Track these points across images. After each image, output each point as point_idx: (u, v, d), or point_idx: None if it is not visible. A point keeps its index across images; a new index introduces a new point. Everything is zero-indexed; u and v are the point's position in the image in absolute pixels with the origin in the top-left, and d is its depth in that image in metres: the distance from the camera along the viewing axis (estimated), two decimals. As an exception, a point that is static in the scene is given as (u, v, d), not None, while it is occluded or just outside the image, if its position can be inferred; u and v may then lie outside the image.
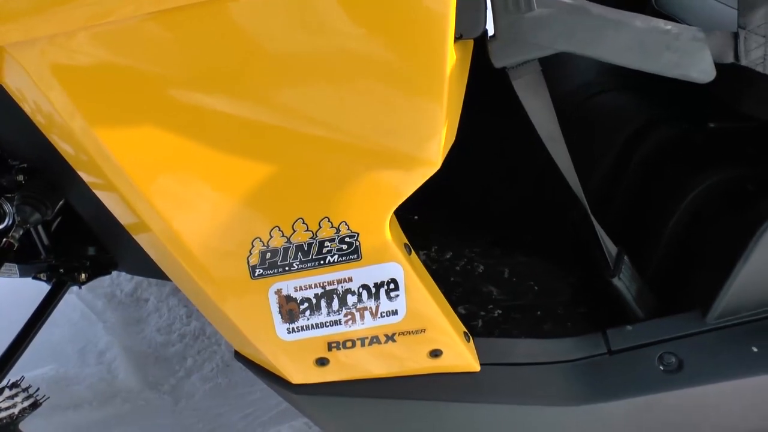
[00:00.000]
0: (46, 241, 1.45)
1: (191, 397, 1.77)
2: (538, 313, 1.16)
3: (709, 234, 1.01)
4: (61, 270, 1.47)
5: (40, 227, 1.41)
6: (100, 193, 0.79)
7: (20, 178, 1.28)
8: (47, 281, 1.50)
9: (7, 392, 0.98)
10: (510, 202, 1.36)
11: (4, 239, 1.31)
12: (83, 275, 1.48)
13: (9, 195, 1.30)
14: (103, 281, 2.06)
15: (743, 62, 0.73)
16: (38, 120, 0.72)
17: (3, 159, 1.26)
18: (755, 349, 0.96)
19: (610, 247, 0.96)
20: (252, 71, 0.66)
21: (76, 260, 1.48)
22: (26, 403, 0.94)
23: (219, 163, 0.71)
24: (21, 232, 1.32)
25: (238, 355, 0.98)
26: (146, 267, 1.52)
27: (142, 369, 1.83)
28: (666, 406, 0.94)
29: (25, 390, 0.99)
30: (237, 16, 0.63)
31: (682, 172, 1.09)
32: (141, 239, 0.83)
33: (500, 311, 1.18)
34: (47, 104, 0.67)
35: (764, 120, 0.87)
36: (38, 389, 1.02)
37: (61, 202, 1.38)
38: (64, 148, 0.74)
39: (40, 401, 0.99)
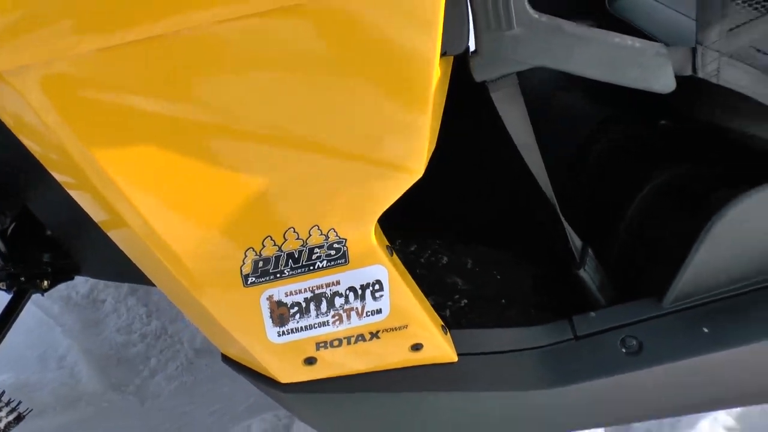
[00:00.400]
0: (2, 248, 1.43)
1: (157, 397, 1.78)
2: (503, 301, 1.23)
3: (663, 226, 1.10)
4: (22, 278, 1.46)
5: (-7, 235, 1.39)
6: (89, 208, 0.80)
7: None
8: (7, 290, 1.48)
9: (-10, 408, 0.98)
10: (473, 198, 1.42)
11: None
12: (45, 282, 1.47)
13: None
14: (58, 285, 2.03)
15: (700, 75, 0.80)
16: (29, 142, 0.73)
17: None
18: (706, 330, 1.05)
19: (576, 241, 1.03)
20: (242, 90, 0.69)
21: (36, 267, 1.47)
22: (11, 417, 0.95)
23: (213, 178, 0.74)
24: None
25: (225, 358, 1.01)
26: (111, 270, 1.53)
27: (104, 371, 1.83)
28: (629, 386, 1.03)
29: (7, 404, 0.99)
30: (227, 37, 0.66)
31: (637, 169, 1.16)
32: (126, 247, 0.85)
33: (466, 301, 1.23)
34: (41, 126, 0.69)
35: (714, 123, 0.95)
36: (19, 402, 1.02)
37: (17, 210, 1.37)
38: (57, 168, 0.75)
39: (24, 414, 1.00)
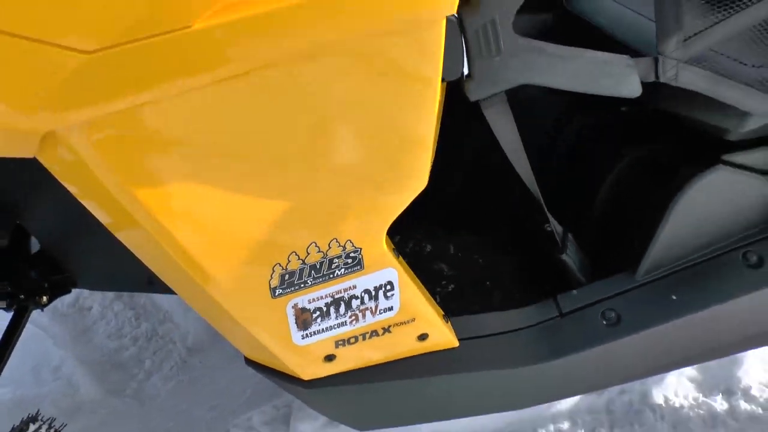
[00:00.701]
0: None
1: (155, 398, 1.86)
2: (487, 283, 1.35)
3: (632, 205, 1.23)
4: (21, 296, 1.50)
5: (-12, 254, 1.44)
6: (127, 238, 0.88)
7: None
8: (7, 309, 1.52)
9: (32, 426, 1.05)
10: (452, 187, 1.53)
11: None
12: (44, 298, 1.52)
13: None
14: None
15: (662, 80, 0.92)
16: (73, 187, 0.81)
17: None
18: (674, 297, 1.19)
19: (557, 227, 1.15)
20: (273, 128, 0.78)
21: (33, 283, 1.52)
22: (50, 433, 1.02)
23: (244, 205, 0.83)
24: None
25: (249, 361, 1.10)
26: (109, 281, 1.59)
27: (100, 378, 1.89)
28: (611, 355, 1.16)
29: (45, 422, 1.06)
30: (260, 86, 0.75)
31: (604, 152, 1.29)
32: (158, 267, 0.93)
33: (453, 286, 1.35)
34: (88, 174, 0.76)
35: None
36: (55, 419, 1.09)
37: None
38: (99, 209, 0.83)
39: (60, 429, 1.07)
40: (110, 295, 2.18)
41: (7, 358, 1.50)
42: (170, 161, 0.77)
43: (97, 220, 1.24)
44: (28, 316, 1.55)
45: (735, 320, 1.20)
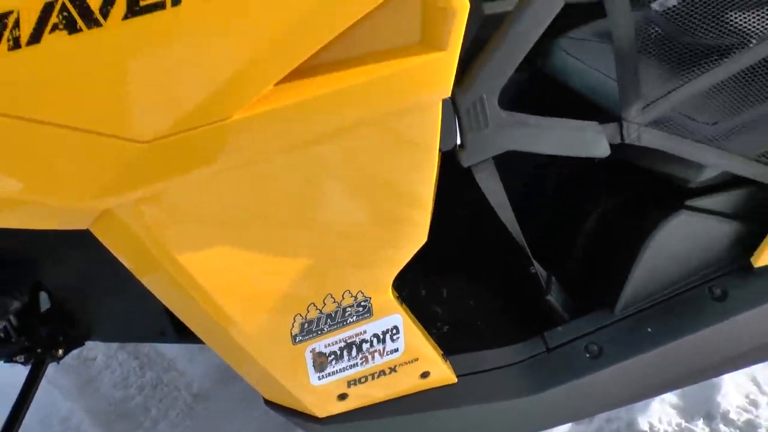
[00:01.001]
0: (15, 323, 1.57)
1: (164, 445, 1.95)
2: (479, 323, 1.48)
3: (608, 247, 1.38)
4: (39, 349, 1.60)
5: (3, 310, 1.54)
6: (161, 292, 1.00)
7: None
8: (24, 363, 1.61)
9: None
10: (444, 233, 1.67)
11: None
12: (60, 351, 1.61)
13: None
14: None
15: (627, 142, 1.08)
16: (122, 255, 0.94)
17: None
18: (649, 330, 1.33)
19: (541, 272, 1.29)
20: (296, 202, 0.93)
21: (49, 337, 1.61)
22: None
23: (271, 265, 0.97)
24: (4, 323, 1.46)
25: (267, 401, 1.22)
26: (123, 333, 1.69)
27: (108, 427, 1.98)
28: (595, 385, 1.30)
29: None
30: (287, 164, 0.89)
31: (580, 200, 1.44)
32: (190, 320, 1.05)
33: (447, 327, 1.48)
34: (136, 243, 0.90)
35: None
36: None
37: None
38: (144, 271, 0.95)
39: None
40: (114, 345, 2.27)
41: (26, 410, 1.59)
42: (208, 230, 0.90)
43: (111, 277, 1.36)
44: (45, 369, 1.64)
45: (705, 348, 1.35)
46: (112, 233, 0.90)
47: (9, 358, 1.60)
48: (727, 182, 1.31)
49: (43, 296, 1.59)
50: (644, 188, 1.36)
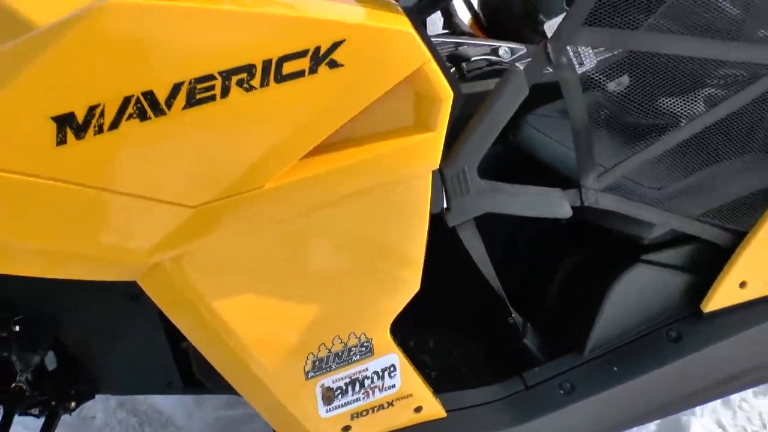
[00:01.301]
0: (30, 377, 1.70)
1: (165, 499, 2.07)
2: (464, 371, 1.67)
3: (576, 297, 1.58)
4: (53, 402, 1.73)
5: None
6: (193, 333, 1.19)
7: (16, 328, 1.56)
8: (38, 416, 1.74)
9: None
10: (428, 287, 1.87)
11: (14, 384, 1.57)
12: (72, 403, 1.74)
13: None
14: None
15: (586, 204, 1.30)
16: (163, 303, 1.12)
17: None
18: (615, 369, 1.53)
19: (518, 318, 1.50)
20: (314, 257, 1.14)
21: (62, 390, 1.74)
22: None
23: (292, 310, 1.17)
24: (26, 376, 1.59)
25: (277, 437, 1.39)
26: (132, 385, 1.84)
27: (111, 485, 2.09)
28: (569, 418, 1.48)
29: None
30: (306, 225, 1.10)
31: (552, 254, 1.66)
32: (221, 363, 1.23)
33: (435, 373, 1.66)
34: (177, 291, 1.09)
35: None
36: None
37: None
38: (186, 325, 1.14)
39: None
40: (113, 402, 2.39)
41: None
42: (239, 279, 1.11)
43: (123, 332, 1.53)
44: (58, 421, 1.77)
45: (664, 385, 1.55)
46: (157, 284, 1.10)
47: (24, 411, 1.71)
48: (677, 239, 1.54)
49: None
50: (605, 245, 1.58)
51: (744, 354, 1.62)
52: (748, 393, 2.12)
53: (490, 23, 2.25)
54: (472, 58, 1.82)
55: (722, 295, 1.55)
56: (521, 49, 1.88)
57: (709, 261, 1.55)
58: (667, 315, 1.57)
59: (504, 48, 1.87)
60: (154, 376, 1.67)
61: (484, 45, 1.89)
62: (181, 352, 1.50)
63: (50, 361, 1.70)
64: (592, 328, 1.52)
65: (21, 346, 1.50)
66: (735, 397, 2.11)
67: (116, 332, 1.60)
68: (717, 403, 2.08)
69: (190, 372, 1.49)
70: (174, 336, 1.45)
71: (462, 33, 2.13)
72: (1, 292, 1.45)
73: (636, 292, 1.53)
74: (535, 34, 2.00)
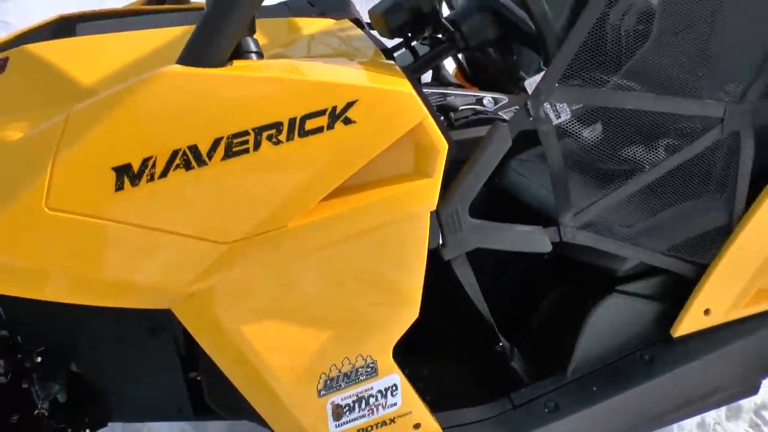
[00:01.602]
0: (47, 410, 1.83)
1: None
2: (458, 392, 1.84)
3: (558, 325, 1.77)
4: (69, 430, 1.85)
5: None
6: (219, 357, 1.35)
7: (38, 359, 1.70)
8: None
9: None
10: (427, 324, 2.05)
11: (36, 411, 1.71)
12: (87, 431, 1.87)
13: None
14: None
15: (564, 240, 1.50)
16: (194, 328, 1.30)
17: (21, 346, 1.63)
18: (595, 389, 1.71)
19: (506, 344, 1.68)
20: (329, 287, 1.33)
21: (76, 419, 1.87)
22: None
23: (309, 336, 1.35)
24: (47, 404, 1.73)
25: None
26: (144, 412, 1.97)
27: None
28: (553, 434, 1.66)
29: None
30: (324, 259, 1.29)
31: (536, 285, 1.85)
32: (246, 387, 1.39)
33: (429, 398, 1.83)
34: (208, 317, 1.26)
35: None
36: None
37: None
38: (215, 348, 1.31)
39: None
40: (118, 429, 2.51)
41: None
42: (264, 306, 1.29)
43: (140, 363, 1.68)
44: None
45: (640, 403, 1.73)
46: (191, 311, 1.28)
47: (39, 440, 1.83)
48: (647, 271, 1.73)
49: None
50: (583, 277, 1.77)
51: (711, 375, 1.81)
52: (722, 416, 2.31)
53: (473, 74, 2.47)
54: (460, 108, 2.02)
55: (689, 322, 1.75)
56: (503, 98, 2.10)
57: (677, 290, 1.74)
58: (641, 340, 1.76)
59: (487, 98, 2.08)
60: (165, 404, 1.80)
61: (469, 95, 2.10)
62: (191, 381, 1.66)
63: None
64: (573, 352, 1.71)
65: (42, 376, 1.63)
66: (709, 420, 2.29)
67: (134, 362, 1.74)
68: (693, 426, 2.27)
69: (200, 399, 1.65)
70: (186, 366, 1.62)
71: (449, 83, 2.35)
72: (27, 326, 1.61)
73: (612, 319, 1.72)
74: (514, 86, 2.22)
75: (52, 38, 1.56)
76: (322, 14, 1.80)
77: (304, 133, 1.18)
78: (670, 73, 1.53)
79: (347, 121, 1.20)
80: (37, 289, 1.22)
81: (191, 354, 1.55)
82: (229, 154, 1.15)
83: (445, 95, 2.11)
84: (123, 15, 1.87)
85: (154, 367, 1.70)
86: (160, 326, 1.53)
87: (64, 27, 1.67)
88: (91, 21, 1.72)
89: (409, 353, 1.90)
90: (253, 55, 1.22)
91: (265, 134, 1.15)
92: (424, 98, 1.29)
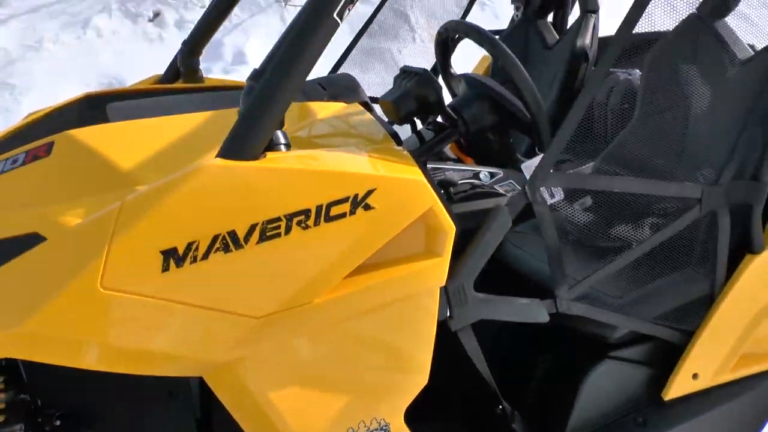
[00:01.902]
0: None
1: None
2: None
3: (554, 389, 1.91)
4: None
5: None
6: (252, 427, 1.48)
7: (57, 422, 1.82)
8: None
9: None
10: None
11: None
12: None
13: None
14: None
15: (560, 311, 1.66)
16: (224, 395, 1.43)
17: (41, 410, 1.71)
18: (591, 451, 1.85)
19: (507, 407, 1.81)
20: (349, 356, 1.46)
21: None
22: None
23: (328, 401, 1.48)
24: None
25: None
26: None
27: None
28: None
29: None
30: (345, 330, 1.43)
31: (534, 352, 1.99)
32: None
33: None
34: (239, 384, 1.40)
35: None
36: None
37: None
38: (243, 413, 1.45)
39: None
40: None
41: None
42: (291, 376, 1.43)
43: (158, 427, 1.78)
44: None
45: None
46: (222, 379, 1.42)
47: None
48: (637, 338, 1.89)
49: None
50: (578, 344, 1.92)
51: (702, 436, 1.95)
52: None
53: (468, 148, 2.67)
54: (458, 182, 2.20)
55: (678, 386, 1.90)
56: (498, 172, 2.29)
57: (666, 356, 1.90)
58: (634, 403, 1.90)
59: (484, 172, 2.27)
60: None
61: (467, 170, 2.29)
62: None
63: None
64: (570, 415, 1.85)
65: None
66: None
67: (152, 427, 1.86)
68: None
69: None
70: (201, 429, 1.73)
71: (447, 158, 2.54)
72: (47, 390, 1.72)
73: (605, 383, 1.87)
74: (509, 162, 2.40)
75: (81, 117, 1.72)
76: (334, 98, 2.00)
77: (329, 219, 1.34)
78: (653, 157, 1.71)
79: (367, 207, 1.37)
80: (79, 358, 1.35)
81: (207, 417, 1.68)
82: (263, 238, 1.30)
83: (443, 170, 2.29)
84: (145, 94, 2.05)
85: (170, 430, 1.81)
86: (177, 389, 1.65)
87: (92, 105, 1.84)
88: (116, 100, 1.89)
89: (417, 417, 2.04)
90: (283, 147, 1.40)
91: (295, 220, 1.32)
92: (433, 183, 1.46)
